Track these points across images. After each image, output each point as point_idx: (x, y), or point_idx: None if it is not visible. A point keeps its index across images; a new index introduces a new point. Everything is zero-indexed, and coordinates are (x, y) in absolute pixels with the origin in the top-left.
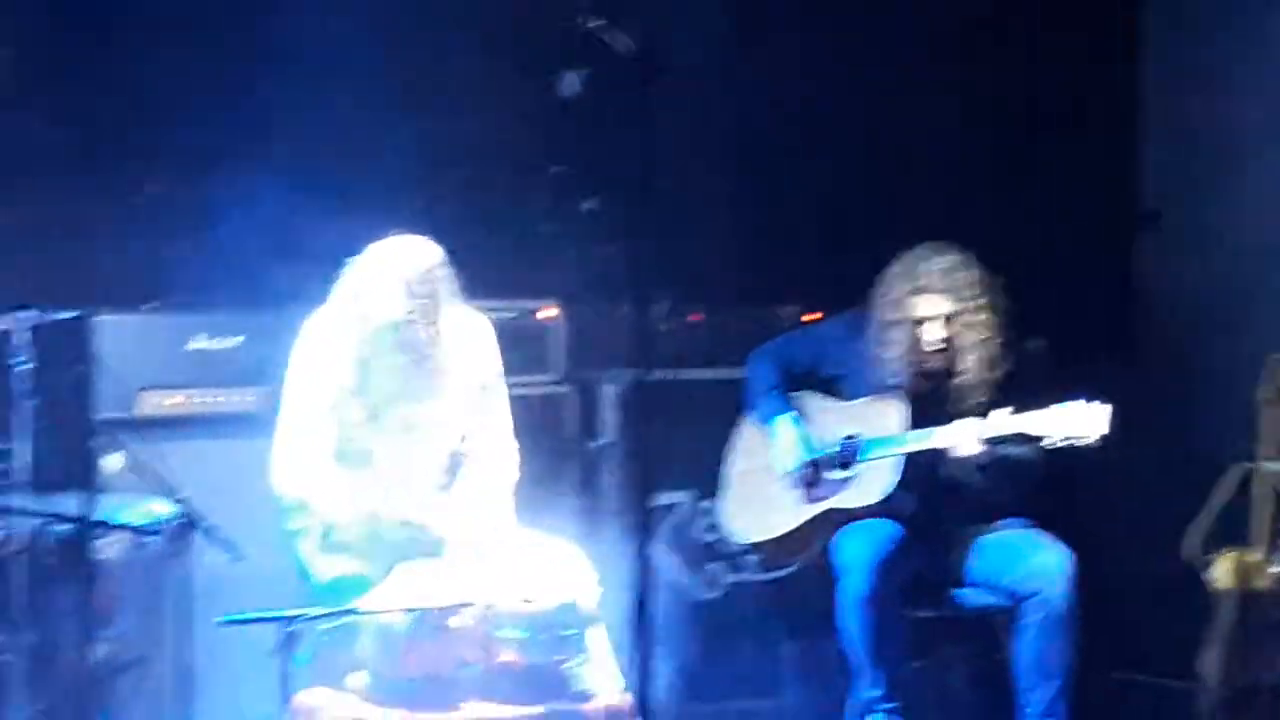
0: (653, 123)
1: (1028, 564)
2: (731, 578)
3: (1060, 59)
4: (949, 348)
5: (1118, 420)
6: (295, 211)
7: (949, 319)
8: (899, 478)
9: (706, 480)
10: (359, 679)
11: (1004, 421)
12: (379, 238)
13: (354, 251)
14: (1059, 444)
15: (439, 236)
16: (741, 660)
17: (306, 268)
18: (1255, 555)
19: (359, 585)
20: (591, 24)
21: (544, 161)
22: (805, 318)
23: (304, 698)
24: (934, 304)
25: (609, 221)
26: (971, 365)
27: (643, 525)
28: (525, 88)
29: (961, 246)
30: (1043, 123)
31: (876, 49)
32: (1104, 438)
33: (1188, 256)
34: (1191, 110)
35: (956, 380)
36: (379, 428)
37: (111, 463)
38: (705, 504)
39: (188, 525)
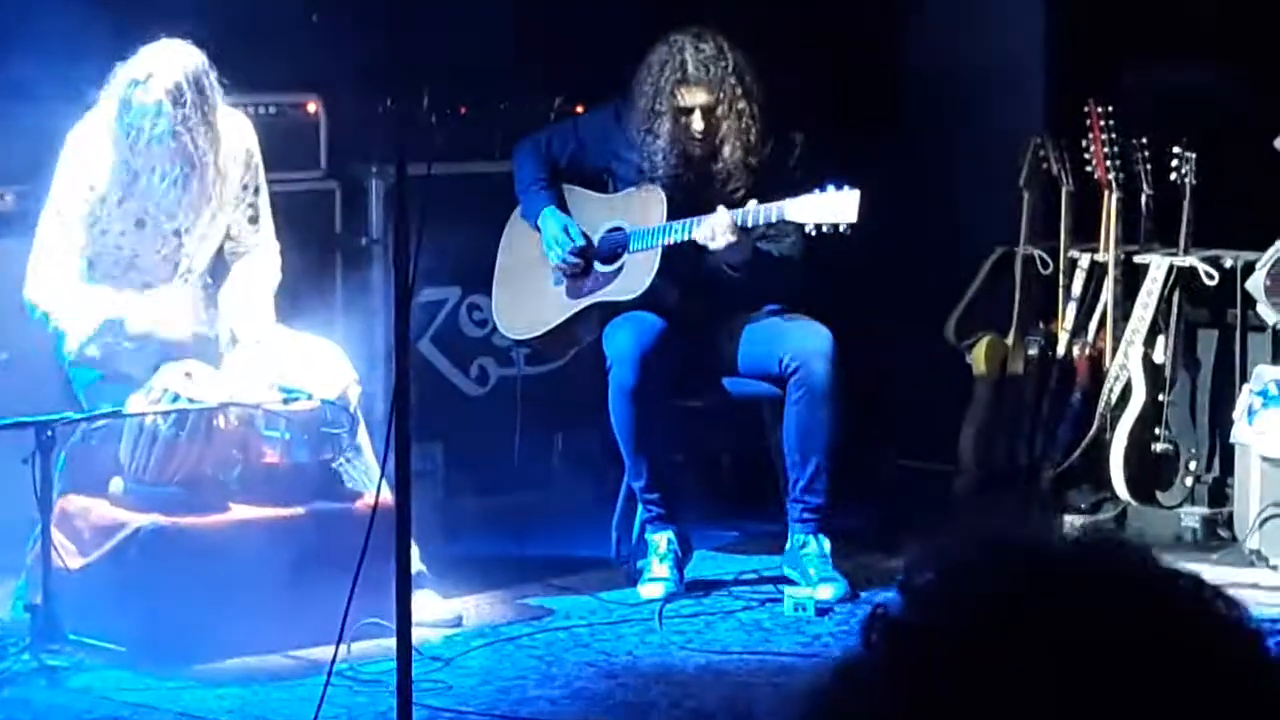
0: None
1: (789, 344)
2: (500, 372)
3: None
4: (711, 137)
5: (878, 204)
6: (58, 6)
7: (712, 108)
8: (660, 269)
9: (475, 276)
10: (118, 484)
11: (758, 210)
12: (145, 39)
13: (118, 54)
14: (812, 231)
15: (201, 31)
16: (511, 454)
17: (67, 64)
18: (1010, 339)
19: (121, 388)
20: None
21: None
22: (578, 110)
23: (61, 504)
24: (698, 94)
25: (374, 12)
26: (731, 154)
27: (403, 321)
28: None
29: (720, 32)
30: None
31: None
32: (862, 221)
33: (950, 35)
34: None
35: (716, 168)
36: (145, 234)
37: None
38: (473, 299)
39: None
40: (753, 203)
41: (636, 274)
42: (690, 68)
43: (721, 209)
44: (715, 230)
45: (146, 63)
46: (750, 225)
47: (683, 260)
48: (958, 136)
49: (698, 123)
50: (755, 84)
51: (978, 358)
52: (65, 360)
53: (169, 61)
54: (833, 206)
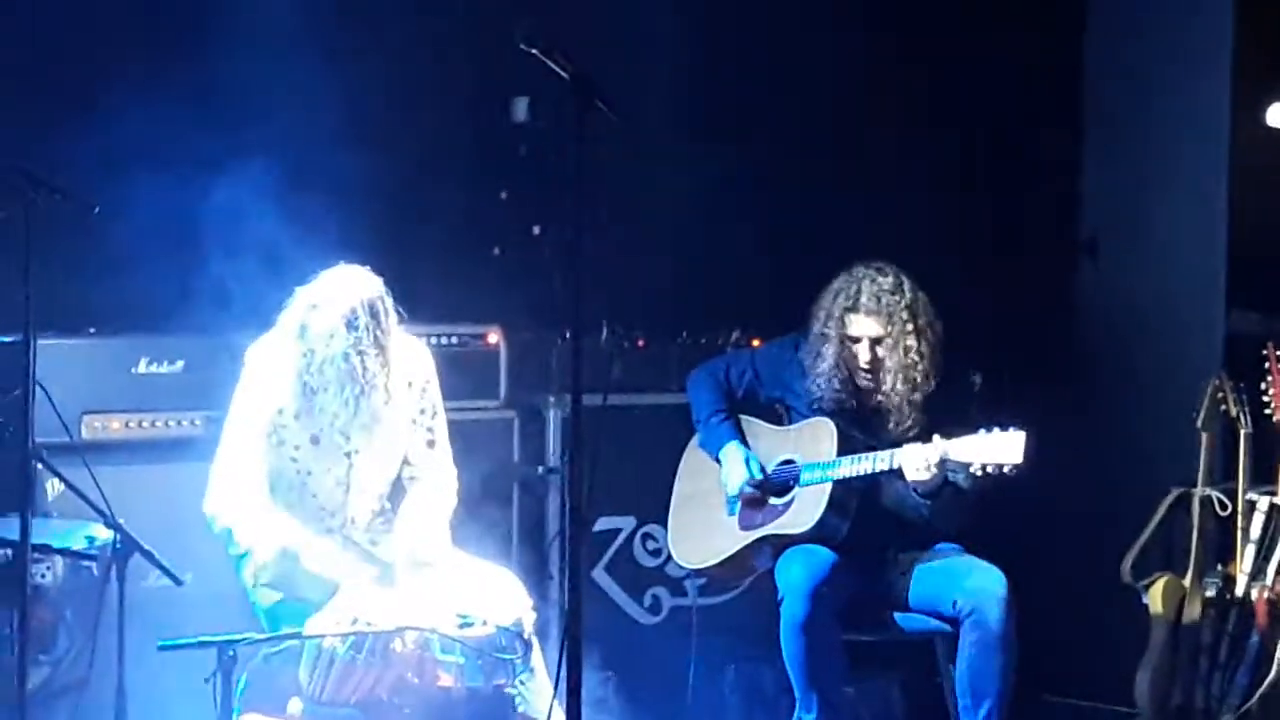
0: (597, 149)
1: (963, 586)
2: (673, 602)
3: (1002, 88)
4: (877, 369)
5: (1055, 442)
6: (240, 236)
7: (878, 340)
8: (830, 502)
9: (650, 504)
10: (297, 704)
11: (924, 450)
12: (324, 263)
13: (298, 276)
14: (978, 471)
15: (385, 260)
16: (684, 683)
17: (250, 292)
18: (1188, 580)
19: (300, 610)
20: (537, 49)
21: (493, 186)
22: (754, 343)
23: None
24: (865, 325)
25: (556, 246)
26: (893, 388)
27: (576, 550)
28: (476, 112)
29: (899, 269)
30: (984, 151)
31: (815, 77)
32: (1040, 459)
33: (1126, 282)
34: (1129, 136)
35: (879, 401)
36: (319, 451)
37: (51, 487)
38: (647, 528)
39: (126, 549)
40: (937, 438)
41: (807, 507)
42: (863, 297)
43: (895, 450)
44: (884, 466)
45: (325, 288)
46: (919, 464)
47: (853, 494)
48: (1136, 377)
49: (865, 353)
50: (930, 323)
51: (1154, 598)
52: (245, 582)
53: (346, 287)
54: (998, 447)
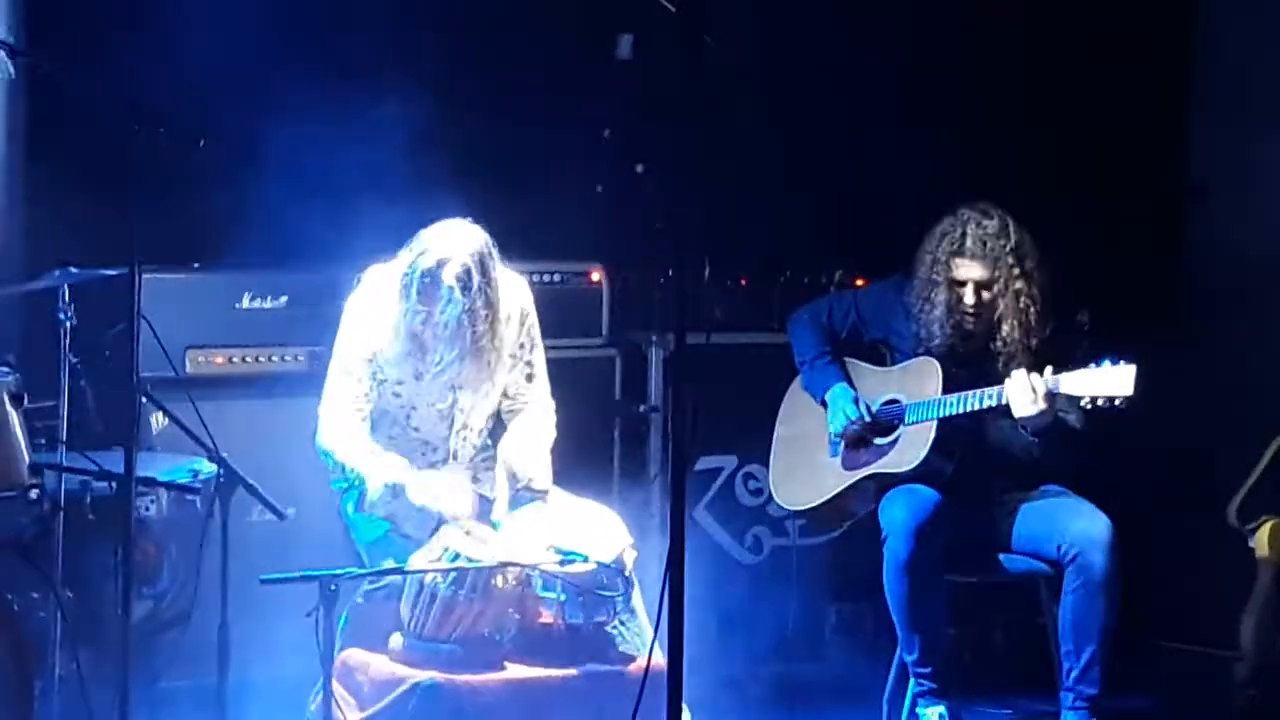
0: (702, 87)
1: (1068, 530)
2: (774, 542)
3: (1111, 32)
4: (986, 313)
5: (1163, 386)
6: (345, 173)
7: (987, 284)
8: (935, 441)
9: (751, 444)
10: (397, 639)
11: (1037, 384)
12: (428, 202)
13: (403, 213)
14: (1088, 406)
15: (489, 197)
16: (785, 623)
17: (355, 229)
18: None
19: (401, 545)
20: None
21: (597, 124)
22: (858, 282)
23: (343, 658)
24: (973, 268)
25: (660, 185)
26: (1010, 333)
27: (679, 489)
28: (580, 49)
29: (1004, 212)
30: (1093, 97)
31: (924, 18)
32: (1148, 402)
33: (1236, 223)
34: (1240, 84)
35: (993, 346)
36: (423, 387)
37: (156, 421)
38: (749, 468)
39: (230, 483)
40: (1049, 370)
41: (912, 446)
42: (969, 241)
43: (1003, 385)
44: (994, 404)
45: (434, 249)
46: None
47: (959, 433)
48: (1245, 317)
49: (969, 296)
50: (1037, 266)
51: (1261, 541)
52: (348, 515)
53: (455, 248)
54: (1109, 380)
